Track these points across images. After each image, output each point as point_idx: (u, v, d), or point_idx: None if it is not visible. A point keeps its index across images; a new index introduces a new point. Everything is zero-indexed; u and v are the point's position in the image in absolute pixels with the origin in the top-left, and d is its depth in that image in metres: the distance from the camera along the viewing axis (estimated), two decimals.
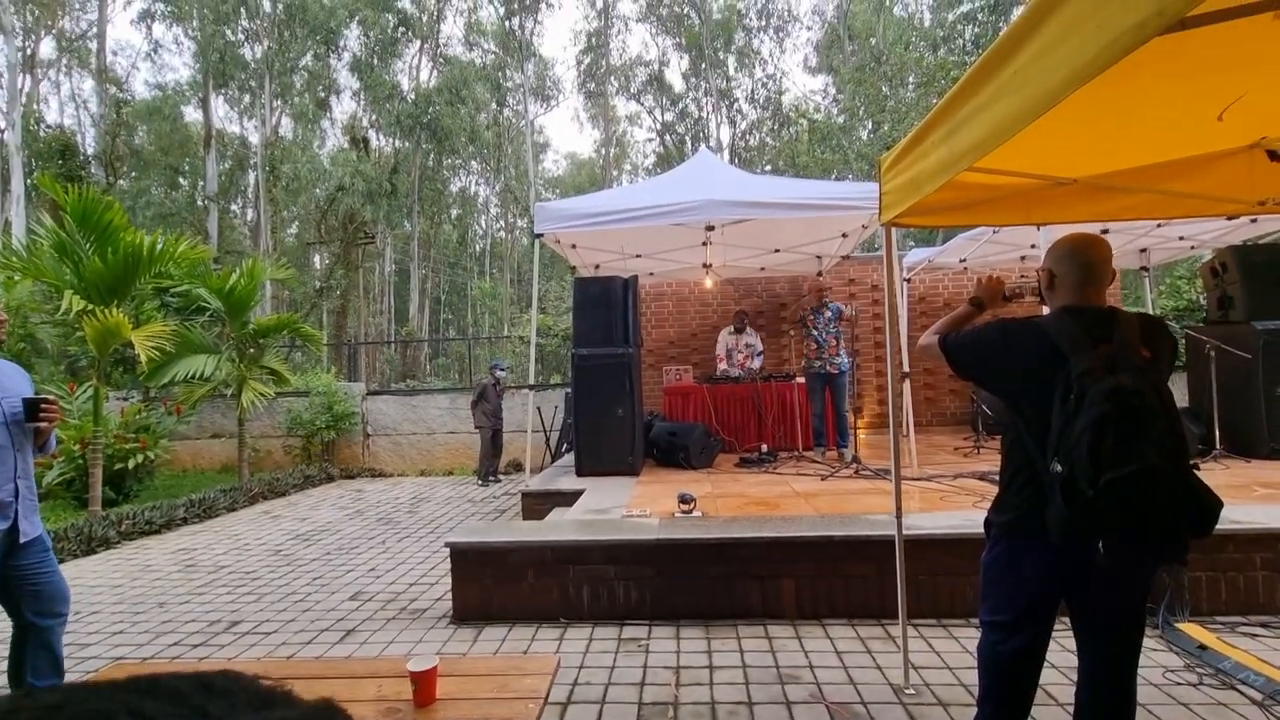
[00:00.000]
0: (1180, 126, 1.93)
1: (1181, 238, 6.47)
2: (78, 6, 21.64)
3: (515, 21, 24.08)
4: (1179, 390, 6.44)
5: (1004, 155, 1.76)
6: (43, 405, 2.32)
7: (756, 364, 7.49)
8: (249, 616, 3.78)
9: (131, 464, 7.17)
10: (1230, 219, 5.27)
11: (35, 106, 20.44)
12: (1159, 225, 5.82)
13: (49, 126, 19.58)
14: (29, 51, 20.10)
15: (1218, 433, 5.41)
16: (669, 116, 27.25)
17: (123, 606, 4.03)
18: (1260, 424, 5.29)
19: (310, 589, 4.24)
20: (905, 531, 2.69)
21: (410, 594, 4.05)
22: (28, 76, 20.25)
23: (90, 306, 6.05)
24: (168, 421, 8.38)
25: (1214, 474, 4.68)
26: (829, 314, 6.20)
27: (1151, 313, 7.64)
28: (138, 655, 3.30)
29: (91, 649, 3.39)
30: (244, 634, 3.52)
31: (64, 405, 7.32)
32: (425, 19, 23.18)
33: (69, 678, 2.83)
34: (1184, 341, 6.20)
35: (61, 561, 4.81)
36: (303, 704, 0.32)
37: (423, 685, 1.60)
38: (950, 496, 4.34)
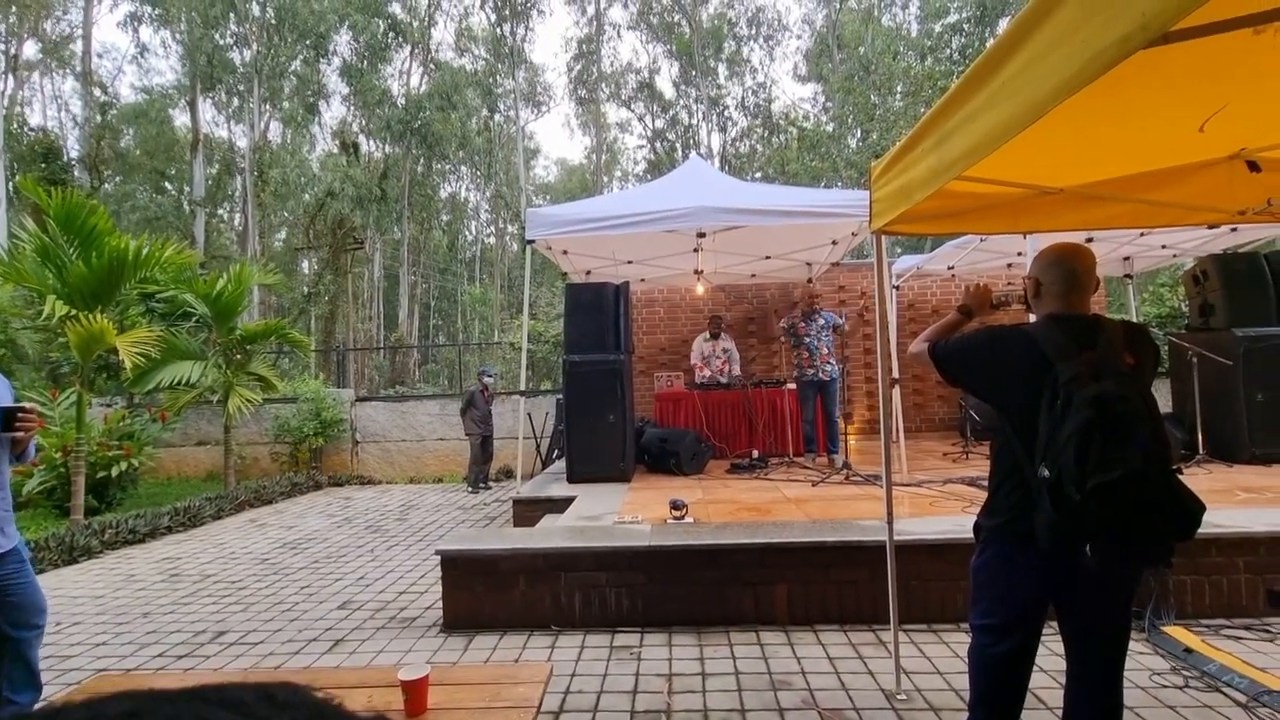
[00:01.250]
0: (1163, 137, 1.97)
1: (1164, 246, 6.58)
2: (59, 10, 21.44)
3: (506, 28, 24.14)
4: (1162, 396, 6.54)
5: (992, 164, 1.79)
6: (19, 414, 2.27)
7: (737, 369, 7.52)
8: (235, 626, 3.73)
9: (115, 472, 7.06)
10: (1211, 228, 5.38)
11: (18, 109, 20.20)
12: (1142, 234, 5.92)
13: (32, 129, 19.35)
14: (12, 53, 19.88)
15: (1200, 438, 5.49)
16: (660, 123, 27.37)
17: (105, 617, 3.97)
18: (1242, 429, 5.38)
19: (298, 598, 4.19)
20: (896, 537, 2.71)
21: (400, 602, 4.02)
22: (10, 78, 20.02)
23: (73, 312, 5.97)
24: (152, 428, 8.26)
25: (1197, 479, 4.74)
26: (821, 322, 6.20)
27: (1135, 320, 7.76)
28: (121, 667, 3.24)
29: (74, 660, 3.33)
30: (230, 644, 3.47)
31: (45, 412, 7.20)
32: (416, 25, 23.17)
33: (50, 690, 2.78)
34: (1167, 348, 6.30)
35: (42, 572, 4.74)
36: (358, 718, 0.32)
37: (414, 695, 1.59)
38: (940, 502, 4.37)
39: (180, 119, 22.18)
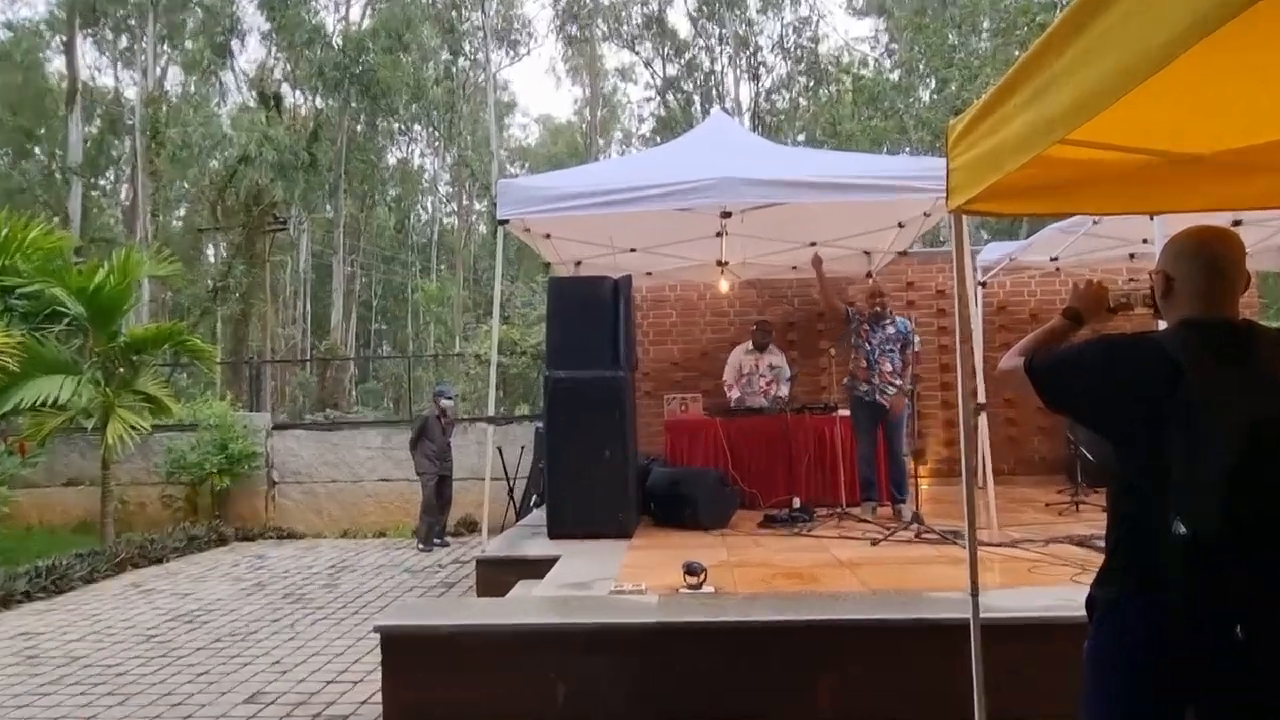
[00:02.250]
0: None
1: None
2: None
3: None
4: None
5: (1107, 123, 1.79)
6: None
7: (784, 391, 7.47)
8: None
9: None
10: None
11: None
12: None
13: None
14: None
15: None
16: (672, 70, 27.68)
17: None
18: None
19: (193, 688, 4.19)
20: (983, 614, 2.69)
21: (326, 695, 4.01)
22: None
23: None
24: (9, 463, 8.31)
25: None
26: (892, 330, 6.17)
27: None
28: None
29: None
30: None
31: None
32: None
33: None
34: None
35: None
36: None
37: None
38: (1041, 567, 4.35)
39: (54, 63, 22.62)
